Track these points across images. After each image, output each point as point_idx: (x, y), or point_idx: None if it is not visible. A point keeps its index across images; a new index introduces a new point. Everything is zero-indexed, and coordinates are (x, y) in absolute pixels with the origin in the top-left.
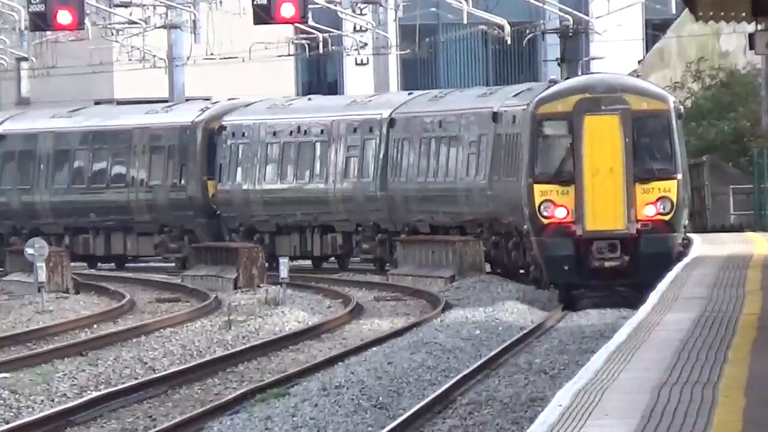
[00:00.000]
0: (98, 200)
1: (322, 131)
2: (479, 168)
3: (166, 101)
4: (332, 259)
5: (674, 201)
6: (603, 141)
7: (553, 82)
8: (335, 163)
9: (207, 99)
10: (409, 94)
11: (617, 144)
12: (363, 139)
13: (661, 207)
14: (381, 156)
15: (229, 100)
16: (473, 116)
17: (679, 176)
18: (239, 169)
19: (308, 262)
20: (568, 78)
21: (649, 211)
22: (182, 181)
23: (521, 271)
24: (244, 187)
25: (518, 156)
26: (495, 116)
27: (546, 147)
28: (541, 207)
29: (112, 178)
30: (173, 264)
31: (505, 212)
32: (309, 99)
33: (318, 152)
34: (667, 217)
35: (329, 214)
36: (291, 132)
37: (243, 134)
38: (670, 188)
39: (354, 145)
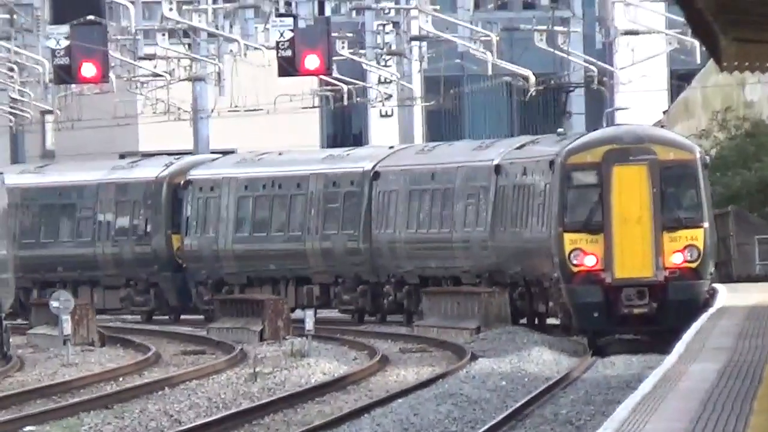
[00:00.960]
0: (65, 254)
1: (298, 185)
2: (479, 219)
3: (191, 153)
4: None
5: (701, 249)
6: (631, 190)
7: (562, 134)
8: (314, 216)
9: (232, 151)
10: (390, 147)
11: (645, 193)
12: (344, 192)
13: (689, 255)
14: (364, 208)
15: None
16: (470, 169)
17: (706, 224)
18: (207, 223)
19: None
20: (595, 129)
21: (676, 259)
22: (147, 235)
23: (523, 320)
24: (214, 240)
25: (528, 206)
26: (497, 168)
27: (575, 196)
28: (571, 255)
29: (79, 233)
30: (139, 317)
31: (510, 263)
32: (279, 154)
33: (294, 206)
34: (694, 265)
35: (306, 267)
36: (264, 186)
37: (211, 188)
38: (697, 236)
39: (333, 199)
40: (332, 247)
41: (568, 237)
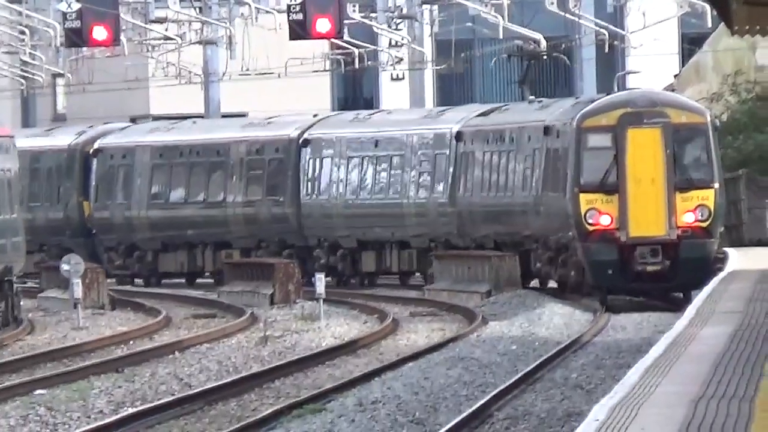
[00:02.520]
0: None
1: (218, 152)
2: (436, 186)
3: (202, 117)
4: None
5: (712, 209)
6: (645, 152)
7: (532, 101)
8: (235, 183)
9: (243, 115)
10: (314, 116)
11: (659, 155)
12: (268, 159)
13: (700, 214)
14: (290, 175)
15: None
16: (427, 136)
17: (716, 185)
18: (118, 190)
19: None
20: (607, 93)
21: (688, 218)
22: (60, 202)
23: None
24: (126, 207)
25: (559, 168)
26: (459, 135)
27: (590, 158)
28: (587, 215)
29: None
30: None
31: (476, 227)
32: (193, 122)
33: (214, 173)
34: (705, 224)
35: (227, 233)
36: (181, 153)
37: (123, 156)
38: (708, 197)
39: (257, 166)
40: (255, 213)
41: (583, 197)
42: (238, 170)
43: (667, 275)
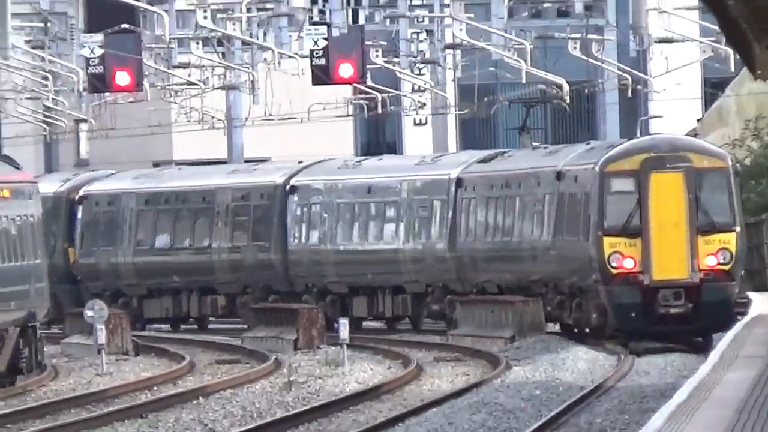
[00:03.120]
0: None
1: (204, 198)
2: (440, 232)
3: (225, 162)
4: None
5: (733, 252)
6: (668, 196)
7: (537, 147)
8: (221, 229)
9: (265, 160)
10: (299, 162)
11: (681, 199)
12: (253, 205)
13: (722, 257)
14: (275, 220)
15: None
16: (427, 182)
17: (738, 229)
18: (104, 237)
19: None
20: (629, 138)
21: (710, 262)
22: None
23: (586, 330)
24: (112, 254)
25: (578, 212)
26: (459, 182)
27: (613, 202)
28: (610, 258)
29: None
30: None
31: (567, 271)
32: (179, 169)
33: (200, 219)
34: (726, 267)
35: (212, 279)
36: (166, 200)
37: (108, 203)
38: (729, 240)
39: (242, 212)
40: (241, 258)
41: (607, 240)
42: (224, 217)
43: (690, 318)
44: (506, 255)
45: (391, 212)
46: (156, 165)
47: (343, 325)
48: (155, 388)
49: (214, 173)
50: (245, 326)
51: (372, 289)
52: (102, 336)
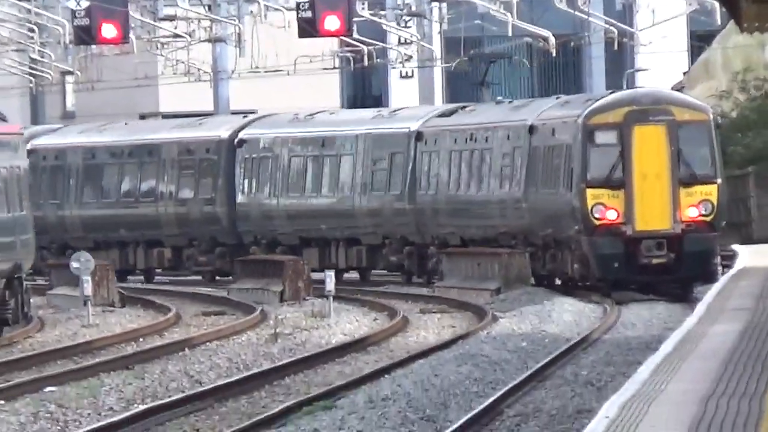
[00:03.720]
0: None
1: (149, 152)
2: (392, 184)
3: (212, 114)
4: None
5: (714, 203)
6: (651, 149)
7: (500, 101)
8: (165, 183)
9: (252, 112)
10: (244, 116)
11: (664, 151)
12: (199, 159)
13: (703, 209)
14: (221, 174)
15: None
16: (386, 135)
17: (719, 180)
18: (51, 190)
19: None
20: (613, 91)
21: (692, 213)
22: None
23: (558, 281)
24: (59, 206)
25: (556, 165)
26: (419, 135)
27: (597, 154)
28: (593, 209)
29: None
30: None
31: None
32: (125, 123)
33: (145, 173)
34: (708, 218)
35: (159, 231)
36: (113, 154)
37: (55, 157)
38: (711, 192)
39: (188, 166)
40: (187, 212)
41: (590, 192)
42: (170, 171)
43: (672, 268)
44: (470, 208)
45: (346, 166)
46: (142, 117)
47: (329, 277)
48: (141, 339)
49: (160, 128)
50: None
51: (325, 241)
52: (88, 287)
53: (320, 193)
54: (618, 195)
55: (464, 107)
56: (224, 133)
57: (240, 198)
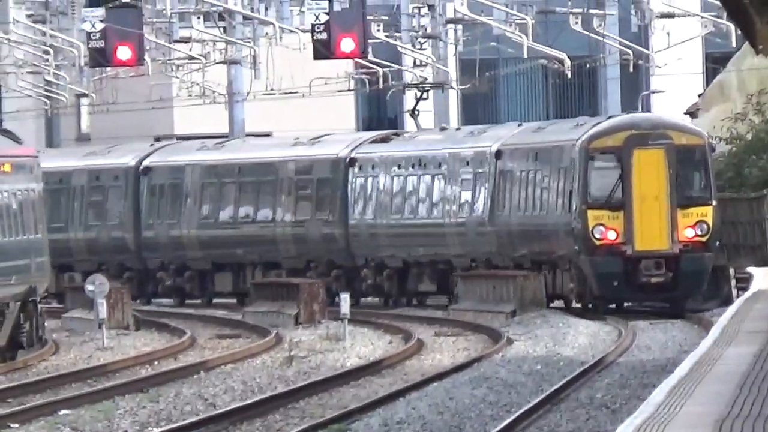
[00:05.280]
0: None
1: (60, 180)
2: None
3: (227, 136)
4: None
5: (710, 224)
6: (650, 172)
7: (444, 129)
8: (76, 211)
9: (267, 134)
10: (151, 145)
11: (662, 174)
12: (107, 186)
13: (699, 230)
14: (130, 202)
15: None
16: (306, 162)
17: (714, 203)
18: None
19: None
20: (610, 116)
21: (688, 233)
22: None
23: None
24: None
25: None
26: (352, 161)
27: (597, 177)
28: (594, 230)
29: None
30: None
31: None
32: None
33: (58, 200)
34: (704, 239)
35: (70, 257)
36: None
37: None
38: (706, 213)
39: (97, 194)
40: (96, 237)
41: (591, 213)
42: (81, 198)
43: (669, 286)
44: (415, 232)
45: (268, 191)
46: (157, 139)
47: (344, 300)
48: (156, 362)
49: (70, 155)
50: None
51: (239, 266)
52: (103, 310)
53: (237, 220)
54: (618, 216)
55: (396, 133)
56: (131, 161)
57: (145, 225)
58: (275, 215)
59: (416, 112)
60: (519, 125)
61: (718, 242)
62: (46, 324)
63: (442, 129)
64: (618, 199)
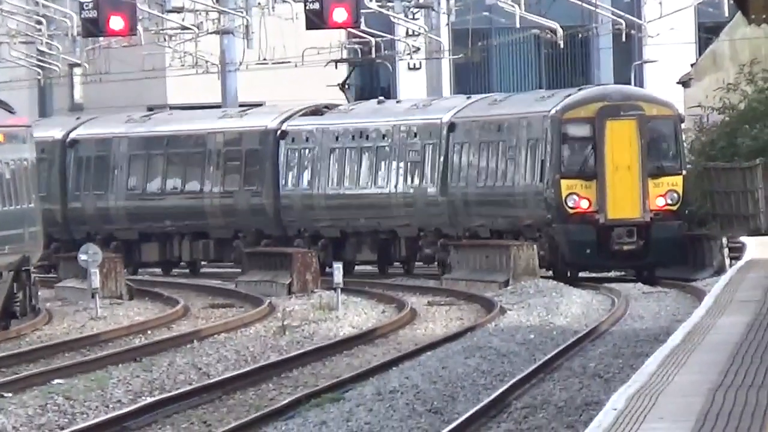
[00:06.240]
0: None
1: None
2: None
3: (219, 107)
4: None
5: (680, 193)
6: (622, 142)
7: (381, 101)
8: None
9: (260, 104)
10: (77, 119)
11: (634, 145)
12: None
13: (670, 199)
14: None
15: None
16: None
17: (684, 172)
18: None
19: None
20: (584, 86)
21: (659, 202)
22: None
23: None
24: None
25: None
26: (283, 134)
27: (570, 147)
28: (567, 199)
29: None
30: None
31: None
32: None
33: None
34: (674, 207)
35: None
36: None
37: None
38: (677, 182)
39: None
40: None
41: (564, 183)
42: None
43: (640, 254)
44: (356, 203)
45: (196, 163)
46: (150, 109)
47: (337, 269)
48: (149, 332)
49: None
50: None
51: (167, 235)
52: (96, 280)
53: (166, 190)
54: (590, 186)
55: (327, 107)
56: (57, 134)
57: (71, 196)
58: (203, 187)
59: (347, 86)
60: (468, 98)
61: (686, 210)
62: (39, 293)
63: (380, 102)
64: (591, 169)
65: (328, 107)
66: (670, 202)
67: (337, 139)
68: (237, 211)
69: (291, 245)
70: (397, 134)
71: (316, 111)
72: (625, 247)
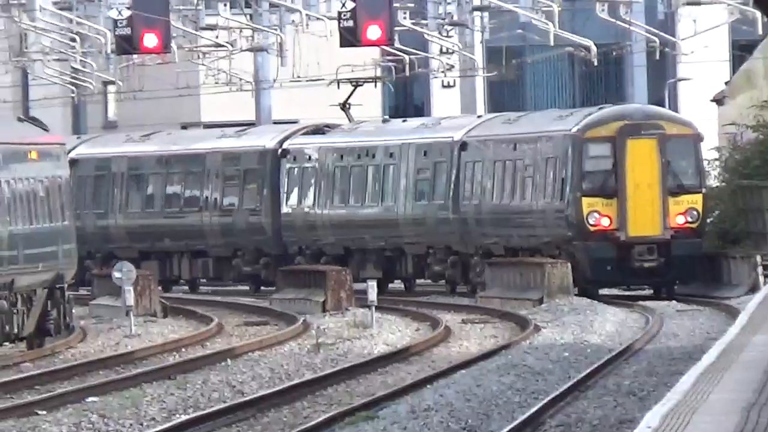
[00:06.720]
0: None
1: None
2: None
3: (254, 124)
4: None
5: (700, 211)
6: (642, 160)
7: (386, 120)
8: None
9: (294, 122)
10: (79, 137)
11: (655, 163)
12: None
13: (689, 216)
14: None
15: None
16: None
17: (704, 190)
18: None
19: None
20: (607, 105)
21: (679, 220)
22: None
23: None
24: None
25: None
26: (285, 153)
27: (591, 165)
28: (588, 216)
29: None
30: None
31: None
32: None
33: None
34: (694, 225)
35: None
36: None
37: None
38: (697, 200)
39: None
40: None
41: (585, 201)
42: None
43: (661, 271)
44: (363, 221)
45: (195, 183)
46: (184, 127)
47: (372, 287)
48: (183, 349)
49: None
50: None
51: (167, 254)
52: (130, 297)
53: (167, 210)
54: (611, 203)
55: (328, 126)
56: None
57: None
58: (202, 205)
59: (347, 105)
60: (478, 117)
61: (706, 228)
62: (73, 311)
63: (384, 121)
64: (611, 187)
65: (329, 126)
66: (690, 219)
67: (342, 157)
68: (236, 230)
69: (292, 263)
70: (406, 152)
71: (317, 130)
72: (646, 265)
